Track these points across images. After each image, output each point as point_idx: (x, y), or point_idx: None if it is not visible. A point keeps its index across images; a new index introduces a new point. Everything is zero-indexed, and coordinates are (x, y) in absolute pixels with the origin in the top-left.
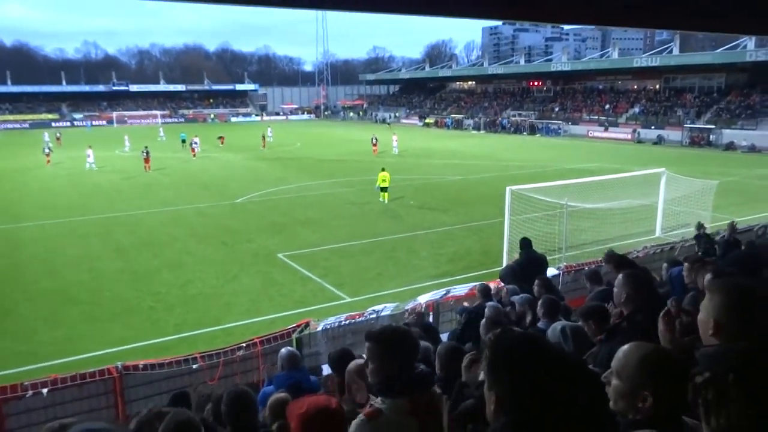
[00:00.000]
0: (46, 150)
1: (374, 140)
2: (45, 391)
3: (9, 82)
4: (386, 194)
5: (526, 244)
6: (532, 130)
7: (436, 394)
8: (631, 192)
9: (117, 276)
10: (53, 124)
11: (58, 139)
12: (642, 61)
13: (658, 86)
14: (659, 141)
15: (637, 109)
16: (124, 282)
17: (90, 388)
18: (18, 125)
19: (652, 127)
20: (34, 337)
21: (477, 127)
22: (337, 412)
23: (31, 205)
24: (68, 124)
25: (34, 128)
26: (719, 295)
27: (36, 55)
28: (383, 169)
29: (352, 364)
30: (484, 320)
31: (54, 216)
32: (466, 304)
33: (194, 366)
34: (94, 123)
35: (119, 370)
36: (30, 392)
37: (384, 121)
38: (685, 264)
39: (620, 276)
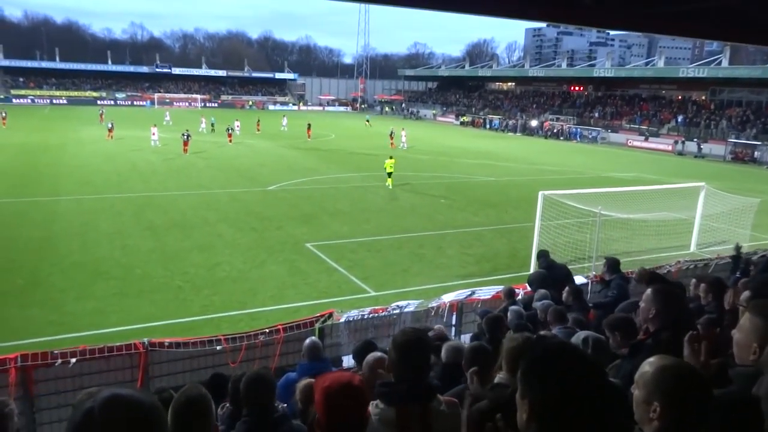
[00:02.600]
0: (109, 125)
1: (392, 134)
2: (74, 360)
3: (57, 58)
4: (391, 179)
5: (543, 254)
6: (570, 135)
7: (434, 409)
8: (667, 204)
9: (148, 254)
10: (98, 102)
11: (101, 115)
12: (689, 71)
13: (703, 98)
14: (700, 154)
15: (679, 120)
16: (154, 261)
17: (116, 361)
18: (61, 101)
19: (694, 140)
20: (64, 307)
21: (513, 129)
22: (359, 388)
23: (70, 180)
24: (111, 102)
25: (72, 104)
26: (763, 319)
27: (84, 33)
28: (391, 157)
29: (370, 357)
30: (484, 319)
31: (91, 192)
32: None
33: (218, 347)
34: (135, 103)
35: (145, 346)
36: (59, 361)
37: (411, 115)
38: (702, 285)
39: (649, 291)
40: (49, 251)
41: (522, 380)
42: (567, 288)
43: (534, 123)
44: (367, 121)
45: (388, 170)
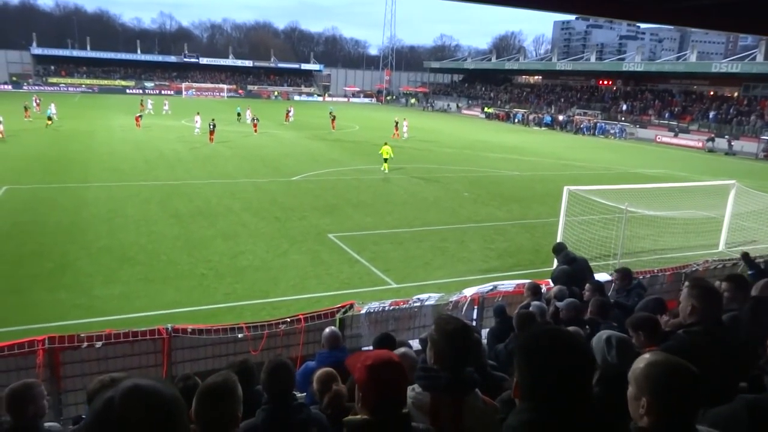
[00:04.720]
0: (149, 110)
1: (396, 124)
2: (99, 344)
3: (88, 47)
4: (387, 165)
5: (561, 248)
6: (597, 130)
7: (470, 403)
8: (696, 202)
9: (173, 241)
10: (126, 90)
11: (141, 103)
12: (721, 66)
13: (736, 94)
14: (731, 151)
15: (711, 117)
16: (179, 248)
17: (141, 346)
18: (91, 89)
19: (726, 137)
20: (91, 291)
21: (538, 123)
22: (400, 363)
23: (99, 167)
24: (140, 91)
25: (102, 93)
26: None
27: (114, 23)
28: (386, 144)
29: (398, 353)
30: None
31: (119, 179)
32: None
33: (239, 335)
34: (163, 92)
35: (169, 332)
36: (85, 344)
37: (430, 107)
38: (724, 284)
39: (686, 288)
40: (78, 236)
41: (515, 360)
42: (588, 285)
43: (561, 117)
44: (330, 112)
45: (384, 156)
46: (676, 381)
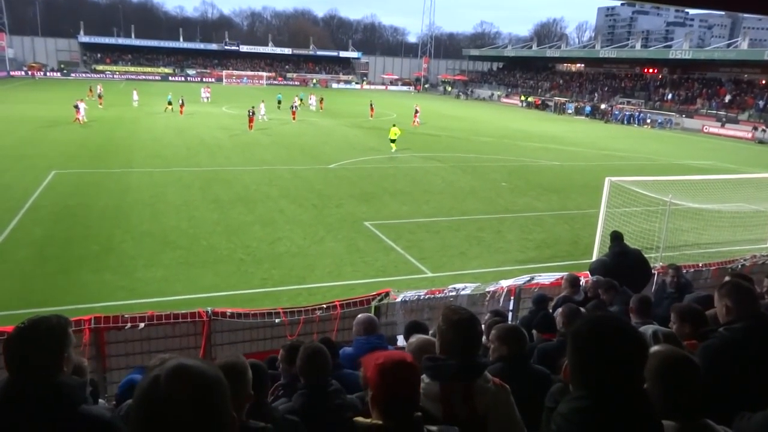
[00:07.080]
0: (180, 101)
1: (416, 111)
2: (142, 325)
3: (133, 35)
4: (394, 145)
5: (616, 237)
6: (640, 119)
7: (479, 386)
8: (744, 195)
9: (213, 227)
10: (169, 78)
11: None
12: None
13: None
14: None
15: (761, 106)
16: (218, 233)
17: (181, 328)
18: (135, 76)
19: None
20: (134, 274)
21: (580, 113)
22: (412, 364)
23: (142, 153)
24: (182, 79)
25: (146, 80)
26: None
27: (158, 11)
28: (394, 125)
29: (414, 339)
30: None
31: (161, 165)
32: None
33: (276, 320)
34: (204, 79)
35: (209, 315)
36: (129, 324)
37: (464, 96)
38: (766, 280)
39: (718, 289)
40: (122, 220)
41: (567, 349)
42: (602, 287)
43: (603, 106)
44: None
45: (392, 137)
46: (671, 370)
